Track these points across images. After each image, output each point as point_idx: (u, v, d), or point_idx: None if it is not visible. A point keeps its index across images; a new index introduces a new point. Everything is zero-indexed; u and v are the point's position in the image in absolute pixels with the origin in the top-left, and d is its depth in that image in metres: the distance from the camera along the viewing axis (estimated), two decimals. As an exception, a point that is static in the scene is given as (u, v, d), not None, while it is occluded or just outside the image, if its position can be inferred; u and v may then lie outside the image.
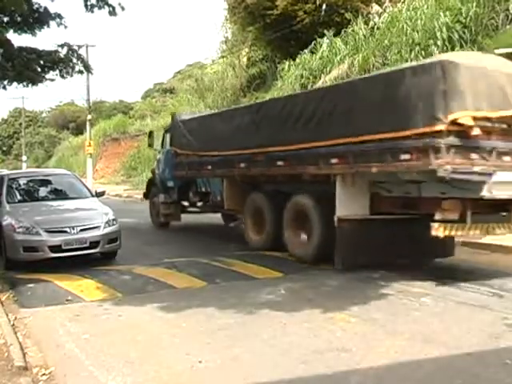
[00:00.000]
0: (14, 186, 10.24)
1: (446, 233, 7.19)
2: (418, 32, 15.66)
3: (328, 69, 19.07)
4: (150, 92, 56.16)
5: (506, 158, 6.99)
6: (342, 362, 4.72)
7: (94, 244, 8.83)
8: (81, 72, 14.34)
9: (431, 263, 9.00)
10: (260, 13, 22.40)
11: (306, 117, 8.42)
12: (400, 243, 8.10)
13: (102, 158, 43.11)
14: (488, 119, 6.72)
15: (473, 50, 14.14)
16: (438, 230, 7.12)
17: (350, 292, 7.13)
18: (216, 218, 13.85)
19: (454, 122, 6.44)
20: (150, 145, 15.49)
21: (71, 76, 13.96)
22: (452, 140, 6.51)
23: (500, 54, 13.69)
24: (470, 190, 6.97)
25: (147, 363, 4.79)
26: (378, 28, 18.33)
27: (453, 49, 14.40)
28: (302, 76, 20.01)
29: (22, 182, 10.61)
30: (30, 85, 13.87)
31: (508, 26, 14.52)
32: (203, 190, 12.72)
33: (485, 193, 6.92)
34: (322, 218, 8.43)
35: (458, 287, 7.26)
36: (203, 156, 11.38)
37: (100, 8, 12.42)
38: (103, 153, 43.34)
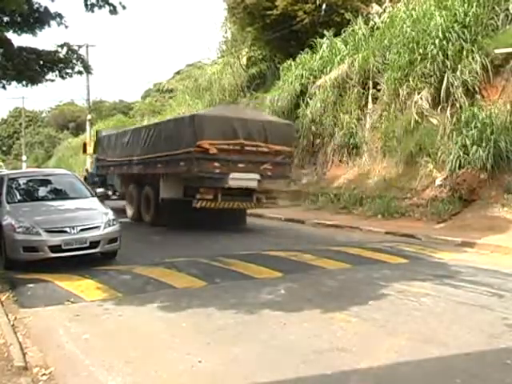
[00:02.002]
0: (13, 185, 10.21)
1: (202, 205, 12.30)
2: (416, 32, 15.65)
3: (328, 69, 19.09)
4: (149, 92, 56.11)
5: (240, 165, 12.28)
6: (341, 361, 4.72)
7: (94, 244, 8.80)
8: (80, 72, 14.38)
9: (428, 263, 9.03)
10: (260, 13, 22.38)
11: (147, 139, 14.13)
12: (206, 214, 12.66)
13: (102, 158, 42.98)
14: (224, 144, 12.01)
15: (473, 51, 14.18)
16: (196, 204, 12.24)
17: (350, 292, 7.13)
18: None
19: (199, 146, 11.80)
20: (84, 151, 23.25)
21: (71, 76, 14.01)
22: (199, 155, 11.89)
23: (500, 54, 13.75)
24: (219, 183, 12.29)
25: (147, 363, 4.79)
26: (377, 28, 18.33)
27: (451, 48, 14.40)
28: (302, 76, 20.03)
29: (22, 181, 10.57)
30: (29, 84, 13.91)
31: (508, 26, 14.50)
32: (111, 183, 18.17)
33: (224, 185, 12.24)
34: (155, 199, 13.78)
35: (457, 287, 7.27)
36: (109, 161, 17.24)
37: (100, 7, 12.44)
38: (103, 153, 43.17)
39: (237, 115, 12.86)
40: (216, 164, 11.94)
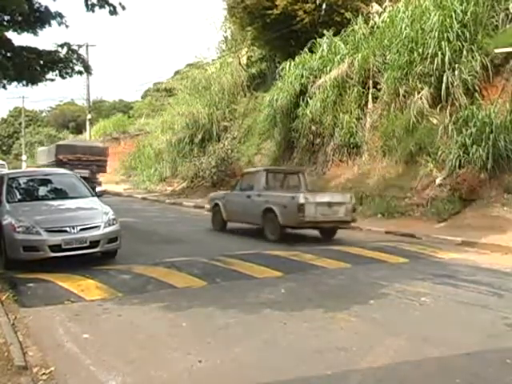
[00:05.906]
0: (14, 185, 10.19)
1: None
2: (416, 31, 15.63)
3: (328, 68, 19.05)
4: (149, 91, 56.02)
5: (79, 166, 23.28)
6: (341, 361, 4.73)
7: (94, 243, 8.79)
8: (80, 72, 14.35)
9: (428, 263, 9.03)
10: (259, 12, 22.30)
11: (48, 153, 27.31)
12: None
13: (102, 158, 43.12)
14: (71, 157, 24.27)
15: (472, 50, 14.18)
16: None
17: (350, 292, 7.14)
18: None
19: (57, 158, 24.37)
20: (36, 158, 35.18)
21: (70, 76, 13.98)
22: (58, 162, 23.83)
23: (500, 54, 13.74)
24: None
25: (147, 363, 4.79)
26: (377, 27, 18.30)
27: (451, 48, 14.39)
28: (302, 76, 20.00)
29: (22, 181, 10.55)
30: (29, 84, 13.87)
31: (508, 26, 14.51)
32: None
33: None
34: None
35: (458, 287, 7.28)
36: (41, 164, 27.31)
37: (101, 7, 12.42)
38: (103, 152, 43.32)
39: (78, 144, 27.40)
40: (67, 166, 21.55)
